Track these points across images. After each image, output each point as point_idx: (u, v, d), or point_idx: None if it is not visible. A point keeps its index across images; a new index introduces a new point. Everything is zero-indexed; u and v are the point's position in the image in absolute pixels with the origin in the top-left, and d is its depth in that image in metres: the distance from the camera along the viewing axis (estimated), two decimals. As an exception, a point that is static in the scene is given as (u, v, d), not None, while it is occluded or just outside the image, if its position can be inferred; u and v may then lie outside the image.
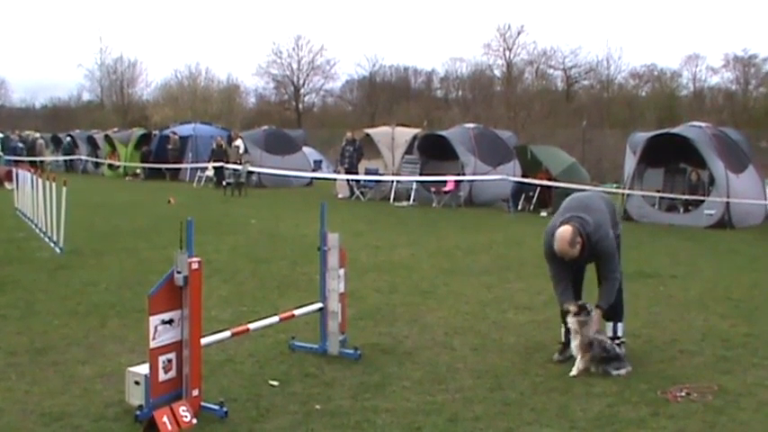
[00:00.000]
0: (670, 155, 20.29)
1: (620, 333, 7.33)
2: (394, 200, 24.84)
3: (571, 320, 6.87)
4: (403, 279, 11.24)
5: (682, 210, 19.93)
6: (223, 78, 72.59)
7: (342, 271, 7.38)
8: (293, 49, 68.88)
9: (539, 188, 21.73)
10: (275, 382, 6.46)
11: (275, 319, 7.04)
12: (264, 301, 9.62)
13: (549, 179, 21.51)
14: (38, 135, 42.10)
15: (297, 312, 7.26)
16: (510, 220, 19.77)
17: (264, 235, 15.99)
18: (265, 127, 34.74)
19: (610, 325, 7.22)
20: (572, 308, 6.88)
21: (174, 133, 35.39)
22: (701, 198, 19.32)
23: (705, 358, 7.34)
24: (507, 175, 22.81)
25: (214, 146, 30.66)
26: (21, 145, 40.33)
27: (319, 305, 7.39)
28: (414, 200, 24.47)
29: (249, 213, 20.15)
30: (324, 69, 69.72)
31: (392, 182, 25.38)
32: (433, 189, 24.23)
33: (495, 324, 8.62)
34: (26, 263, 12.06)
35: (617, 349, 6.87)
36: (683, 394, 6.17)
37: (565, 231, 6.78)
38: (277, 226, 17.54)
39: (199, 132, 35.29)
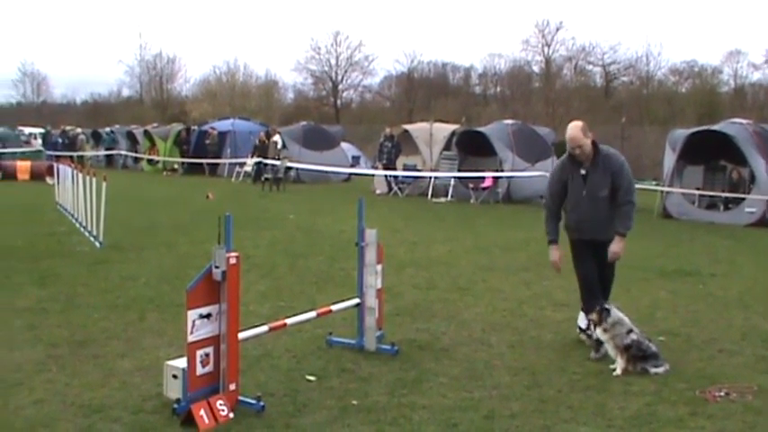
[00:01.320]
0: (710, 152, 20.08)
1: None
2: (432, 196, 24.82)
3: (599, 331, 6.91)
4: (440, 275, 11.22)
5: (722, 207, 19.75)
6: (261, 74, 72.92)
7: (379, 267, 7.38)
8: (332, 44, 69.16)
9: (577, 185, 21.46)
10: (312, 378, 6.49)
11: (312, 314, 7.04)
12: (302, 296, 9.66)
13: (588, 176, 21.30)
14: (79, 130, 42.50)
15: (334, 308, 7.29)
16: (548, 217, 19.60)
17: (302, 230, 16.04)
18: (303, 123, 34.96)
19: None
20: (593, 317, 6.92)
21: (213, 129, 35.55)
22: (742, 196, 19.11)
23: (745, 358, 7.25)
24: (545, 172, 22.66)
25: (257, 141, 30.73)
26: (60, 140, 40.77)
27: (356, 301, 7.40)
28: (451, 196, 24.43)
29: (287, 209, 20.24)
30: (362, 65, 69.90)
31: (430, 178, 25.37)
32: (470, 185, 24.16)
33: (533, 321, 8.59)
34: (66, 257, 12.21)
35: (653, 348, 6.81)
36: (722, 394, 6.10)
37: (577, 122, 7.31)
38: (315, 221, 17.59)
39: (237, 128, 35.40)
